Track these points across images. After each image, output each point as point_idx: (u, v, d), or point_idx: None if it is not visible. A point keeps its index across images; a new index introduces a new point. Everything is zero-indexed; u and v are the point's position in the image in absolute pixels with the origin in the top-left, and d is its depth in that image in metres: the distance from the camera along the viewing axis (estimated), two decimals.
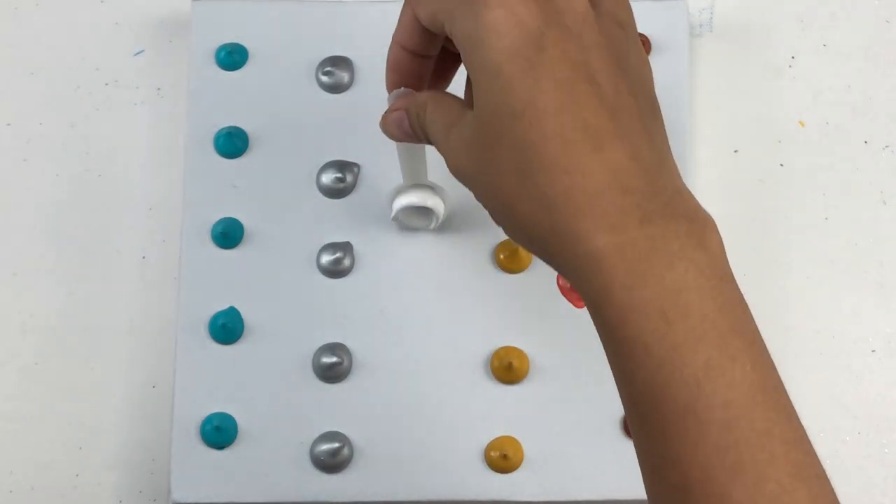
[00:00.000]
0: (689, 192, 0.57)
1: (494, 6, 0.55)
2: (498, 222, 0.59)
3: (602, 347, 0.58)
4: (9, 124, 0.82)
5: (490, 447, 0.75)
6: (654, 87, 0.59)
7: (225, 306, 0.77)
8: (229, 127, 0.79)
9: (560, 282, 0.77)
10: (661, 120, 0.58)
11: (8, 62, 0.82)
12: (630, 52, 0.58)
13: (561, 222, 0.55)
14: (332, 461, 0.75)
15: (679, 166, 0.77)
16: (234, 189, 0.78)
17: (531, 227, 0.56)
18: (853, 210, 0.80)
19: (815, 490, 0.53)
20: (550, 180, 0.55)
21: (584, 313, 0.76)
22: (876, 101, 0.81)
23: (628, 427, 0.67)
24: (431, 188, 0.74)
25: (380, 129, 0.66)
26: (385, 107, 0.69)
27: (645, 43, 0.79)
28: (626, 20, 0.59)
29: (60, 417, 0.78)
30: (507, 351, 0.76)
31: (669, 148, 0.58)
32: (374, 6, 0.80)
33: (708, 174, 0.80)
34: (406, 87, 0.64)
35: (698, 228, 0.55)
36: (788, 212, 0.80)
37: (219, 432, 0.75)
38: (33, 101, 0.82)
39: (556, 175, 0.55)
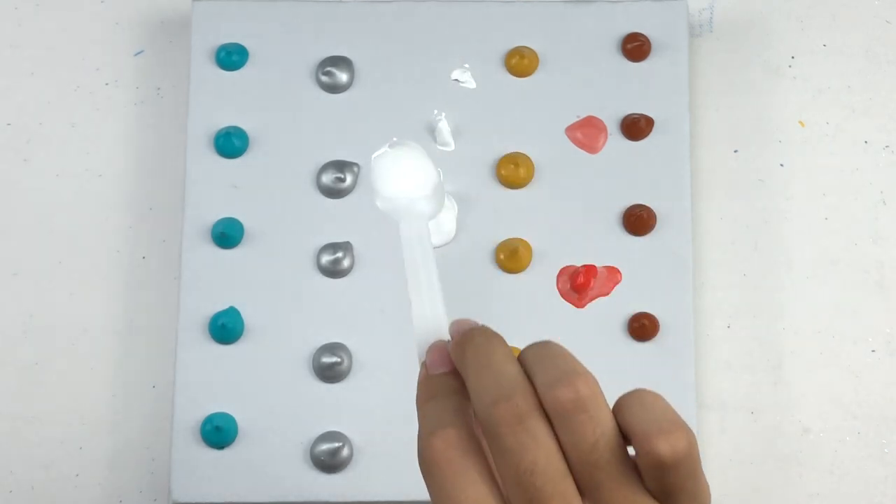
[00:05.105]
0: None
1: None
2: None
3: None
4: (9, 124, 0.82)
5: None
6: None
7: (225, 306, 0.77)
8: (229, 127, 0.79)
9: (559, 282, 0.77)
10: None
11: (8, 62, 0.82)
12: None
13: None
14: (332, 461, 0.75)
15: (679, 166, 0.78)
16: (234, 189, 0.78)
17: None
18: (853, 210, 0.80)
19: None
20: None
21: (583, 313, 0.77)
22: (876, 101, 0.81)
23: None
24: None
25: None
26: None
27: (645, 43, 0.79)
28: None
29: (60, 417, 0.78)
30: None
31: None
32: (374, 6, 0.80)
33: (708, 174, 0.80)
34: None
35: None
36: (788, 212, 0.80)
37: (219, 432, 0.75)
38: (33, 101, 0.82)
39: None
